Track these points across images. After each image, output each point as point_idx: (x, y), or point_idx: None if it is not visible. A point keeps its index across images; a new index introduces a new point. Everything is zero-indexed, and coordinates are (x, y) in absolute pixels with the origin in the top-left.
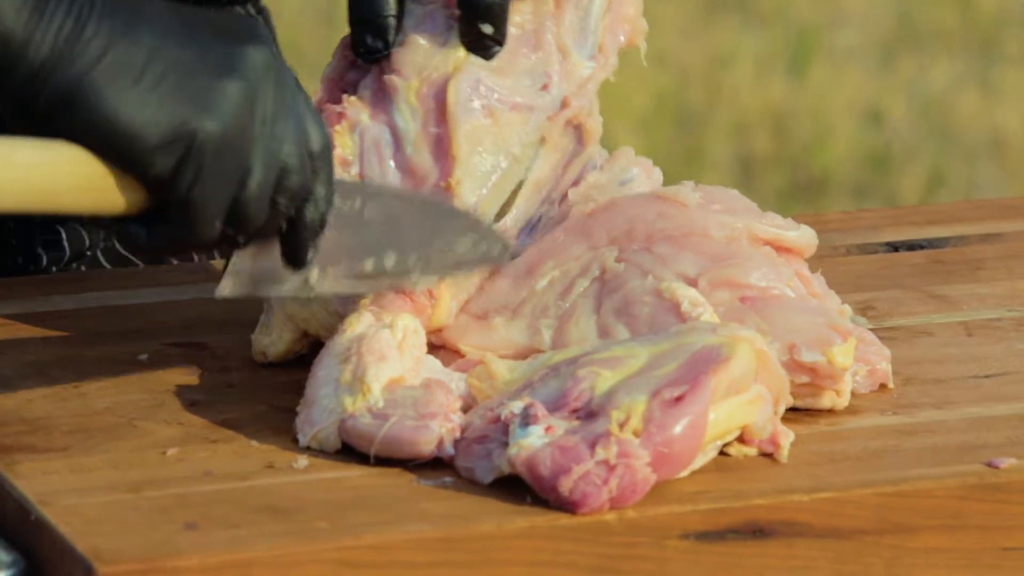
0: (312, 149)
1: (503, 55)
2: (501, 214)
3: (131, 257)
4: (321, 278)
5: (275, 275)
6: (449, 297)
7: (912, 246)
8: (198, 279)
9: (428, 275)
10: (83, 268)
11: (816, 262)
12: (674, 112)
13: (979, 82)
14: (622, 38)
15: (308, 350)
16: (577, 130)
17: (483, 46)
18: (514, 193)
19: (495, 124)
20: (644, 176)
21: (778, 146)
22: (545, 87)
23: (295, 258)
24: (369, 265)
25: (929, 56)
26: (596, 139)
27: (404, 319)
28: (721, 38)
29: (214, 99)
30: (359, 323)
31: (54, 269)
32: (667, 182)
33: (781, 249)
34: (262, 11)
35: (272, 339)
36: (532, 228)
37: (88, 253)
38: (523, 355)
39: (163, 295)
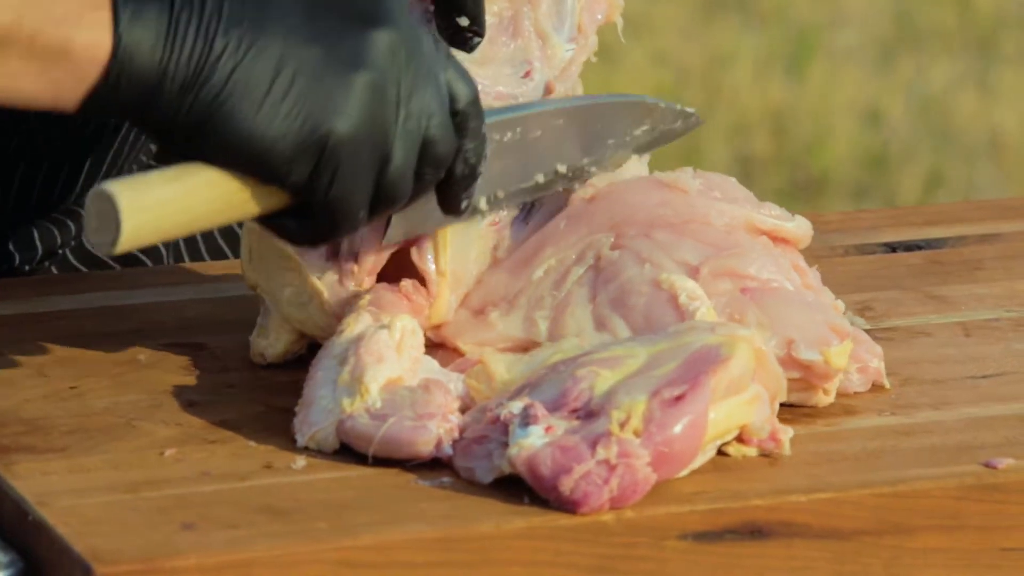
0: (458, 108)
1: (483, 46)
2: (492, 203)
3: (104, 258)
4: (493, 203)
5: (434, 215)
6: (448, 292)
7: (910, 246)
8: (196, 280)
9: (605, 168)
10: (54, 269)
11: (814, 262)
12: None
13: (978, 82)
14: (600, 16)
15: (306, 351)
16: None
17: (461, 39)
18: None
19: None
20: (636, 164)
21: (777, 146)
22: (527, 74)
23: (451, 207)
24: (540, 178)
25: (928, 56)
26: None
27: (402, 320)
28: (720, 38)
29: (343, 98)
30: (357, 324)
31: (27, 268)
32: None
33: (778, 240)
34: None
35: (270, 341)
36: (527, 215)
37: (59, 252)
38: (521, 348)
39: (161, 295)
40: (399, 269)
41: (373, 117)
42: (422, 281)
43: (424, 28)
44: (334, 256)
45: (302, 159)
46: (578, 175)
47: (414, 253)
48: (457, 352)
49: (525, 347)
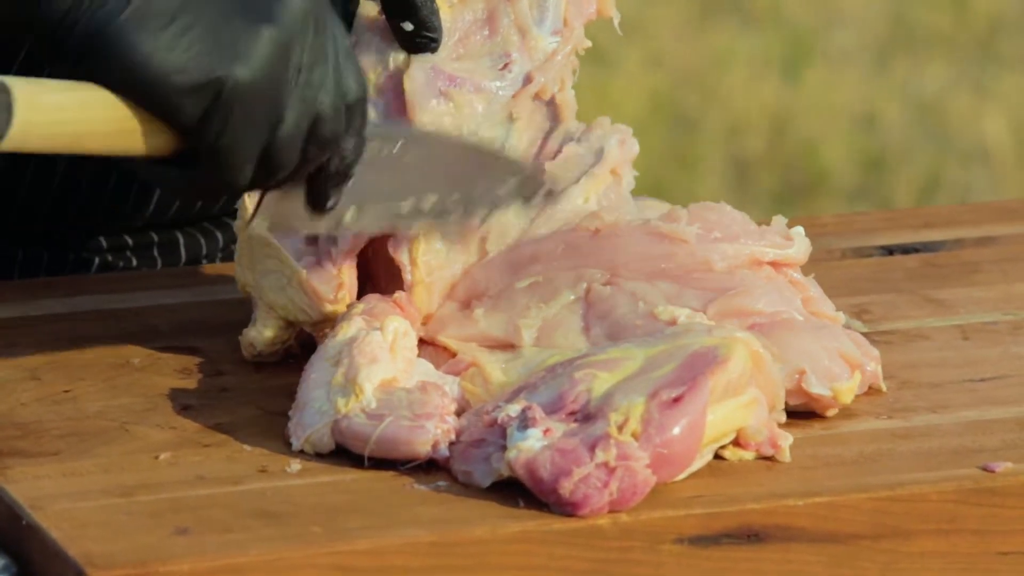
0: (348, 99)
1: (459, 41)
2: (356, 218)
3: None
4: (359, 216)
5: (306, 214)
6: (423, 283)
7: (907, 249)
8: (190, 283)
9: (467, 216)
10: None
11: (811, 266)
12: (669, 114)
13: (974, 85)
14: (591, 9)
15: (296, 343)
16: (550, 106)
17: (415, 44)
18: None
19: (455, 108)
20: (620, 145)
21: (773, 149)
22: (506, 66)
23: (317, 203)
24: (408, 205)
25: (924, 59)
26: (572, 113)
27: (394, 321)
28: (716, 40)
29: (246, 46)
30: (350, 327)
31: None
32: (662, 185)
33: (777, 264)
34: None
35: (256, 329)
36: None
37: (203, 260)
38: (502, 347)
39: (155, 299)
40: (379, 260)
41: (274, 73)
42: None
43: (335, 13)
44: (313, 241)
45: (195, 97)
46: (441, 214)
47: (390, 244)
48: (447, 351)
49: (505, 347)
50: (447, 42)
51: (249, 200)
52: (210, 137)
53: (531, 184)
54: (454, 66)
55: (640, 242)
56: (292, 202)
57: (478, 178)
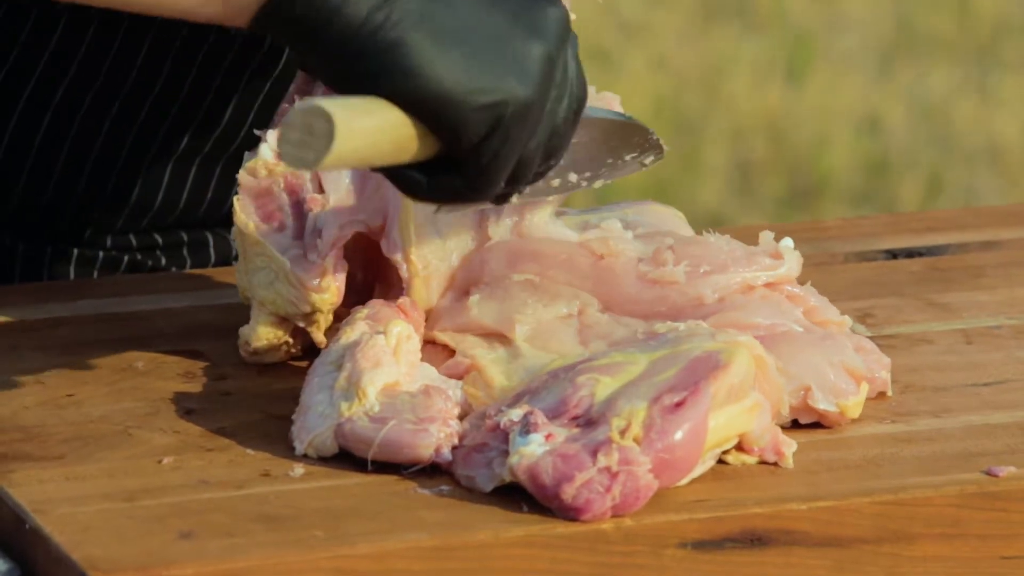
0: (576, 108)
1: None
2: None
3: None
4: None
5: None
6: (419, 277)
7: (911, 253)
8: (193, 286)
9: (591, 184)
10: None
11: (815, 269)
12: (672, 118)
13: (977, 89)
14: None
15: (297, 346)
16: None
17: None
18: None
19: None
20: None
21: (776, 153)
22: None
23: (504, 201)
24: (556, 182)
25: (928, 63)
26: None
27: (398, 325)
28: (719, 44)
29: (525, 65)
30: (353, 331)
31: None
32: (666, 189)
33: (771, 284)
34: None
35: (250, 327)
36: None
37: (234, 262)
38: (495, 338)
39: (158, 303)
40: (368, 255)
41: (544, 90)
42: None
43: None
44: (299, 234)
45: (483, 116)
46: (570, 186)
47: (383, 245)
48: (447, 350)
49: (500, 338)
50: None
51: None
52: (487, 153)
53: (650, 151)
54: None
55: (633, 285)
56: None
57: (605, 154)
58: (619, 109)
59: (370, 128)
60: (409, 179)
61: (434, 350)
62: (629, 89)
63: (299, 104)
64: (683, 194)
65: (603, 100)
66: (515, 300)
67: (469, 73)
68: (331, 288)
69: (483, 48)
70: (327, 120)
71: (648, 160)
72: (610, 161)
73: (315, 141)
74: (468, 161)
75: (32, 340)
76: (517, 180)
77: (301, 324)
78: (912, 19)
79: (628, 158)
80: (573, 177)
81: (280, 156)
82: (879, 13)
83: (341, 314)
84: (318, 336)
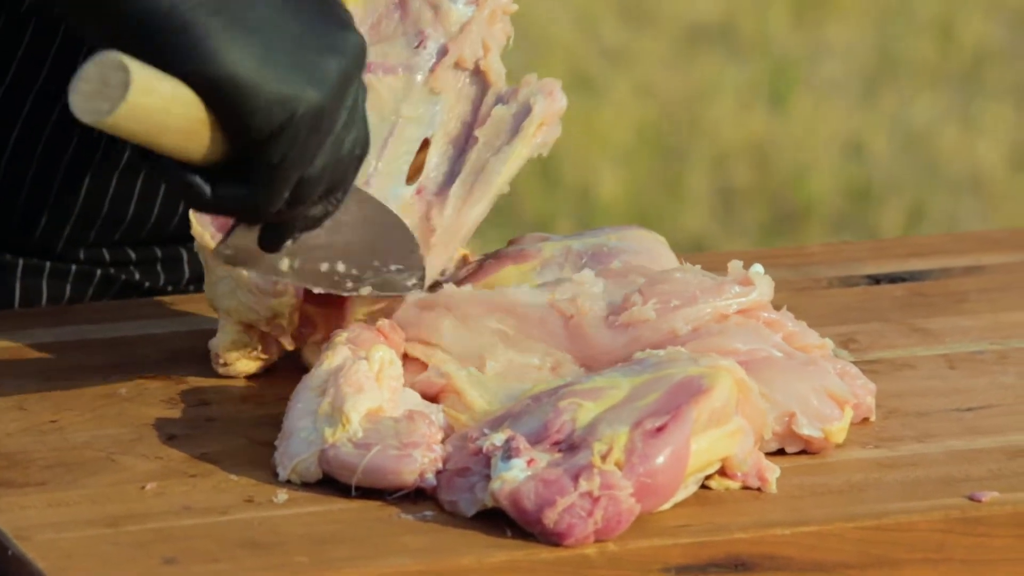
0: (359, 152)
1: (372, 27)
2: (414, 174)
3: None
4: (294, 266)
5: (254, 254)
6: None
7: (894, 278)
8: (176, 313)
9: (357, 291)
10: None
11: (797, 294)
12: (655, 144)
13: (960, 116)
14: None
15: (263, 347)
16: (477, 75)
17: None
18: (424, 151)
19: (372, 91)
20: (547, 98)
21: (759, 179)
22: (421, 44)
23: (274, 243)
24: (324, 267)
25: (910, 89)
26: (500, 78)
27: (380, 350)
28: (702, 71)
29: (320, 74)
30: (335, 356)
31: (170, 289)
32: (649, 215)
33: (743, 310)
34: None
35: (219, 337)
36: (452, 178)
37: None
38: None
39: (142, 329)
40: None
41: (336, 105)
42: None
43: None
44: None
45: (272, 113)
46: (339, 283)
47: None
48: (418, 362)
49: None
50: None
51: (199, 223)
52: (272, 155)
53: (411, 274)
54: (370, 51)
55: (605, 336)
56: (248, 238)
57: (376, 255)
58: (560, 96)
59: (165, 93)
60: (192, 185)
61: (404, 361)
62: (613, 116)
63: (95, 56)
64: (667, 220)
65: (544, 86)
66: (487, 339)
67: (264, 66)
68: (288, 291)
69: (280, 47)
70: (123, 71)
71: (411, 283)
72: (376, 264)
73: (110, 91)
74: (254, 160)
75: (14, 366)
76: (298, 201)
77: (266, 330)
78: (895, 46)
79: (393, 268)
80: (341, 267)
81: (71, 107)
82: (862, 40)
83: (323, 336)
84: (286, 341)
